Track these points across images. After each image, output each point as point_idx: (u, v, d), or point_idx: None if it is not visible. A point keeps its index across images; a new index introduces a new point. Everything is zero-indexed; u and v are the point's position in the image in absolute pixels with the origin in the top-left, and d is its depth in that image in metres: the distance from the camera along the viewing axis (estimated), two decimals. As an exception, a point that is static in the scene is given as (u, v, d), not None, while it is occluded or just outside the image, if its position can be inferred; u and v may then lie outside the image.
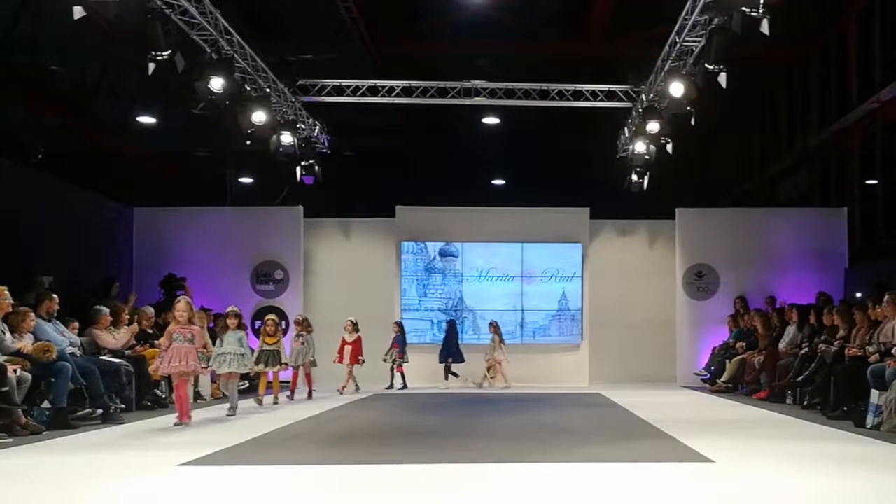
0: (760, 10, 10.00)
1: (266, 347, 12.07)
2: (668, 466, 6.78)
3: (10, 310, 9.44)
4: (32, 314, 9.80)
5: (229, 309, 10.95)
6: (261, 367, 11.98)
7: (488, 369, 15.65)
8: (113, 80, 18.12)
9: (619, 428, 9.44)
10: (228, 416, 10.34)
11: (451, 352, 15.58)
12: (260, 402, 12.01)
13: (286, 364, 12.60)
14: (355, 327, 14.46)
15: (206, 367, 10.22)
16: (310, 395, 13.31)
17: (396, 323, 15.48)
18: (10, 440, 8.27)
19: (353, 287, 16.56)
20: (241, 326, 10.90)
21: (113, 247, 15.84)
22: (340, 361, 14.37)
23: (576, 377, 16.19)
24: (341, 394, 13.96)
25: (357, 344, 14.40)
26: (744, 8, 10.08)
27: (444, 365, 15.55)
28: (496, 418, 10.45)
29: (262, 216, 16.87)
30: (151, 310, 12.99)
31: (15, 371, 8.75)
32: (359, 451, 7.71)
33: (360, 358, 14.38)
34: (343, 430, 9.38)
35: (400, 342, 15.14)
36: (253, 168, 22.42)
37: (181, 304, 9.61)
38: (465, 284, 16.57)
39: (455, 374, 15.53)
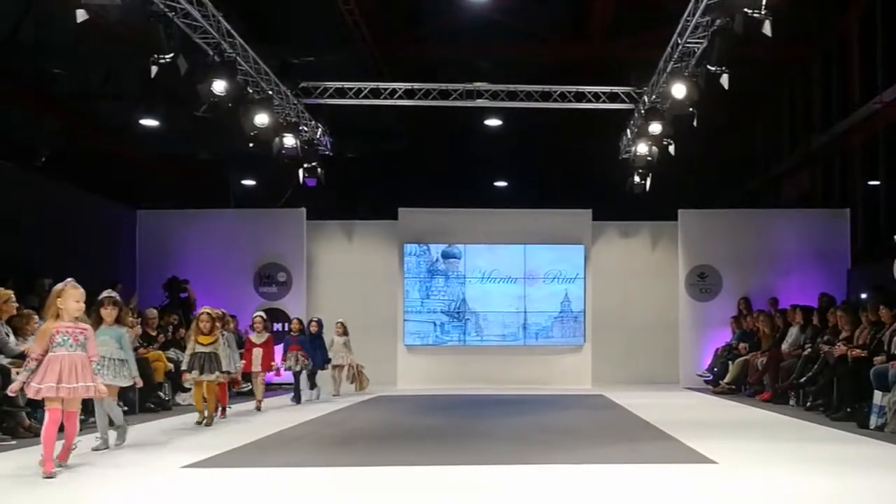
0: (762, 12, 10.00)
1: (199, 349, 9.62)
2: (670, 468, 6.78)
3: (15, 313, 9.47)
4: (36, 317, 9.82)
5: (104, 294, 7.82)
6: (195, 374, 9.61)
7: (356, 373, 14.05)
8: (116, 83, 18.14)
9: (621, 429, 9.44)
10: (97, 448, 7.61)
11: (326, 356, 13.55)
12: (201, 421, 9.75)
13: (228, 371, 10.06)
14: (265, 326, 11.88)
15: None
16: (222, 412, 10.52)
17: (297, 320, 13.25)
18: (14, 442, 8.31)
19: (355, 289, 16.57)
20: (120, 321, 7.81)
21: (116, 249, 15.87)
22: (248, 368, 11.65)
23: (578, 379, 16.17)
24: (259, 409, 11.49)
25: (268, 346, 11.76)
26: (746, 9, 10.09)
27: (316, 372, 13.33)
28: (499, 420, 10.45)
29: (265, 218, 16.89)
30: (154, 311, 13.12)
31: (18, 374, 8.76)
32: (362, 453, 7.72)
33: (272, 364, 11.87)
34: (346, 431, 9.39)
35: (304, 344, 12.95)
36: (256, 170, 22.43)
37: (74, 290, 6.65)
38: (467, 286, 16.55)
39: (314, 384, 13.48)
